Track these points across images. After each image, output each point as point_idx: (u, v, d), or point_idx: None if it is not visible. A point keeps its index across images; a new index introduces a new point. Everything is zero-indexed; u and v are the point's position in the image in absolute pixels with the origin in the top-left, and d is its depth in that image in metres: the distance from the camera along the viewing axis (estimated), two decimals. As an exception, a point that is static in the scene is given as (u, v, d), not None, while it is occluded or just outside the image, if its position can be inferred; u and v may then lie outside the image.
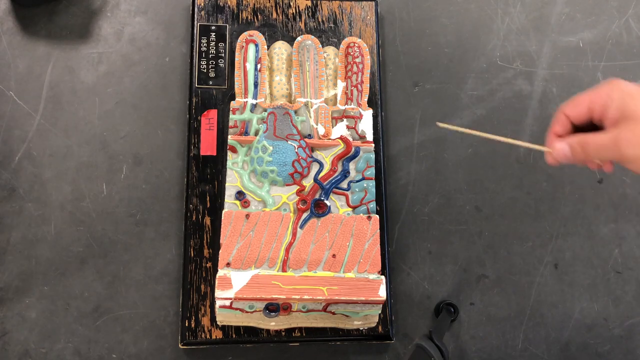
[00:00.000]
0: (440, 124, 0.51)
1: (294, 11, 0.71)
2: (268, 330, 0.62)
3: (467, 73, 0.74)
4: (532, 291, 0.68)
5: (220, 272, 0.59)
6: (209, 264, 0.63)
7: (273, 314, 0.59)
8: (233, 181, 0.63)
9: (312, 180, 0.64)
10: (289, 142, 0.63)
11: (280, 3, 0.71)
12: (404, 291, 0.67)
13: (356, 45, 0.68)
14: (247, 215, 0.61)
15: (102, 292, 0.63)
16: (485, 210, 0.70)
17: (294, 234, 0.61)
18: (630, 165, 0.43)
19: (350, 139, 0.65)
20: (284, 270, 0.60)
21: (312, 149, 0.65)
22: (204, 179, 0.65)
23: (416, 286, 0.67)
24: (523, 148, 0.49)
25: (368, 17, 0.72)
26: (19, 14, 0.70)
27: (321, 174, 0.64)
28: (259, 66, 0.67)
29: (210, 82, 0.68)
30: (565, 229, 0.70)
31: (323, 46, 0.69)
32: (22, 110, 0.67)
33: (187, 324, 0.61)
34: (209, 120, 0.67)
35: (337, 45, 0.70)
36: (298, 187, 0.63)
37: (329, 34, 0.71)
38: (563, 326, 0.67)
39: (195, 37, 0.69)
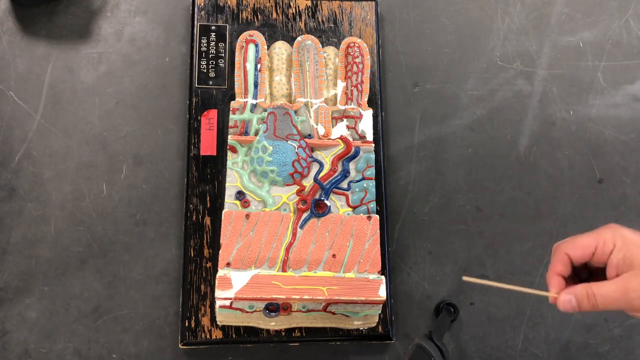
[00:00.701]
0: (466, 279, 0.50)
1: (294, 11, 0.71)
2: (268, 330, 0.62)
3: (467, 73, 0.74)
4: (532, 291, 0.68)
5: (220, 272, 0.59)
6: (209, 264, 0.63)
7: (273, 314, 0.59)
8: (233, 181, 0.63)
9: (312, 180, 0.64)
10: (289, 142, 0.63)
11: (280, 3, 0.71)
12: (404, 291, 0.67)
13: (356, 45, 0.68)
14: (247, 215, 0.61)
15: (102, 292, 0.63)
16: (485, 210, 0.70)
17: (294, 234, 0.61)
18: (639, 314, 0.43)
19: (350, 139, 0.65)
20: (284, 270, 0.60)
21: (312, 149, 0.65)
22: (204, 179, 0.65)
23: (416, 286, 0.67)
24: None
25: (368, 17, 0.72)
26: (19, 14, 0.70)
27: (321, 174, 0.64)
28: (259, 66, 0.67)
29: (210, 82, 0.68)
30: (565, 229, 0.70)
31: (323, 46, 0.69)
32: (22, 110, 0.67)
33: (187, 324, 0.61)
34: (209, 120, 0.67)
35: (337, 45, 0.70)
36: (298, 187, 0.63)
37: (329, 34, 0.71)
38: (563, 326, 0.67)
39: (195, 37, 0.69)
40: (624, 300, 0.43)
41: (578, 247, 0.46)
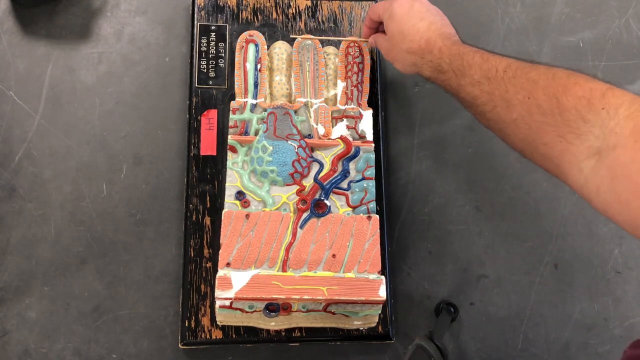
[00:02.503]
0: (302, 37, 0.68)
1: (294, 11, 0.71)
2: (268, 330, 0.62)
3: (467, 73, 0.74)
4: (532, 291, 0.68)
5: (220, 272, 0.59)
6: (209, 264, 0.63)
7: (273, 314, 0.59)
8: (233, 181, 0.63)
9: (312, 180, 0.64)
10: (289, 142, 0.63)
11: (280, 3, 0.71)
12: (404, 291, 0.67)
13: (356, 45, 0.68)
14: (247, 215, 0.61)
15: (102, 292, 0.63)
16: (485, 210, 0.70)
17: (294, 234, 0.61)
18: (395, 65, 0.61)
19: (350, 139, 0.65)
20: (284, 270, 0.60)
21: (312, 149, 0.65)
22: (204, 179, 0.65)
23: (416, 286, 0.67)
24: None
25: (368, 17, 0.72)
26: (19, 14, 0.70)
27: (321, 174, 0.64)
28: (259, 66, 0.67)
29: (210, 82, 0.68)
30: (565, 229, 0.70)
31: (323, 46, 0.69)
32: (22, 110, 0.67)
33: (187, 324, 0.61)
34: (209, 120, 0.67)
35: (337, 45, 0.70)
36: (298, 187, 0.63)
37: (329, 34, 0.71)
38: (563, 326, 0.67)
39: (195, 37, 0.69)
40: (382, 51, 0.63)
41: (372, 11, 0.63)
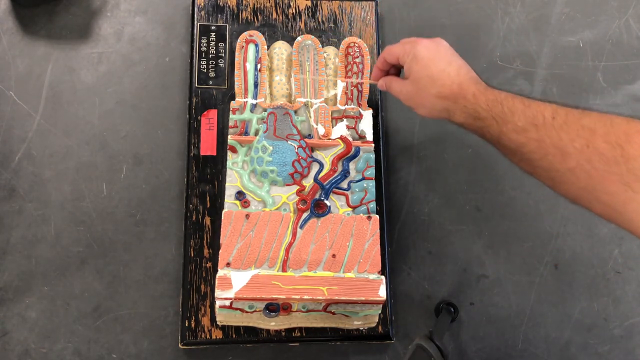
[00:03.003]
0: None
1: (294, 11, 0.71)
2: (268, 330, 0.62)
3: (467, 73, 0.74)
4: (532, 291, 0.68)
5: (220, 272, 0.59)
6: (209, 264, 0.63)
7: (273, 314, 0.59)
8: (233, 181, 0.63)
9: (312, 180, 0.64)
10: (289, 142, 0.63)
11: (280, 3, 0.71)
12: (404, 291, 0.67)
13: (356, 45, 0.68)
14: (247, 215, 0.61)
15: (102, 292, 0.63)
16: (485, 210, 0.70)
17: (294, 234, 0.61)
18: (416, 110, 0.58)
19: (350, 139, 0.65)
20: (284, 270, 0.60)
21: (312, 149, 0.65)
22: (204, 179, 0.65)
23: (416, 286, 0.67)
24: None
25: (368, 17, 0.72)
26: (19, 14, 0.70)
27: (321, 174, 0.64)
28: (259, 66, 0.67)
29: (210, 82, 0.68)
30: (565, 229, 0.70)
31: (323, 46, 0.69)
32: (22, 110, 0.67)
33: (187, 324, 0.61)
34: (209, 120, 0.67)
35: (337, 45, 0.70)
36: (298, 187, 0.63)
37: (329, 34, 0.71)
38: (563, 326, 0.67)
39: (195, 37, 0.69)
40: (400, 95, 0.58)
41: (389, 52, 0.59)
